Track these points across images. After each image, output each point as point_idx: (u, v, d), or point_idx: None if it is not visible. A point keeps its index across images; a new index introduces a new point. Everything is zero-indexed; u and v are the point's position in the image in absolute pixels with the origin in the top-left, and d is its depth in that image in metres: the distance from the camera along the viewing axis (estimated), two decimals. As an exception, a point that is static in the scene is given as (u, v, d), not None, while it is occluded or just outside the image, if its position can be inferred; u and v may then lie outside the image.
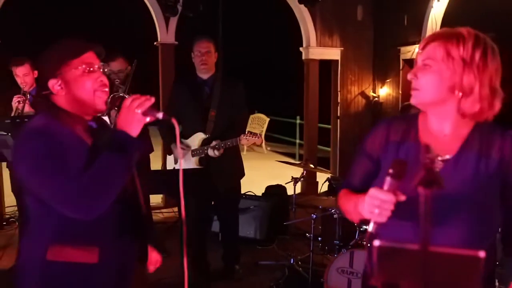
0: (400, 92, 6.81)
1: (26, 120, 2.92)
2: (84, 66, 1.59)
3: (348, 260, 3.03)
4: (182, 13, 5.88)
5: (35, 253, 1.58)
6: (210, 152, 3.47)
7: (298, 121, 10.45)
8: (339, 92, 7.20)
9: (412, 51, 6.41)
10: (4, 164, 4.59)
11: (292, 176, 4.13)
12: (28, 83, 4.08)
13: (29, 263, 1.61)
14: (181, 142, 3.60)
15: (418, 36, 6.36)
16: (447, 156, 1.39)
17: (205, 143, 3.55)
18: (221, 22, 5.71)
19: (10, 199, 5.21)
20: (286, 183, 4.62)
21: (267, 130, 10.96)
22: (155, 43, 6.30)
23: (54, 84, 1.59)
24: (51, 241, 1.56)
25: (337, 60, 7.12)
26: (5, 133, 3.20)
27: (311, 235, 3.59)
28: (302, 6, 6.57)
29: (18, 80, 4.07)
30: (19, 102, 3.93)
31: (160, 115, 1.54)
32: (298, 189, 4.64)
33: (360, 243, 3.19)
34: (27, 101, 3.96)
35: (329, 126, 7.68)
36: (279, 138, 12.01)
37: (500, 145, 1.38)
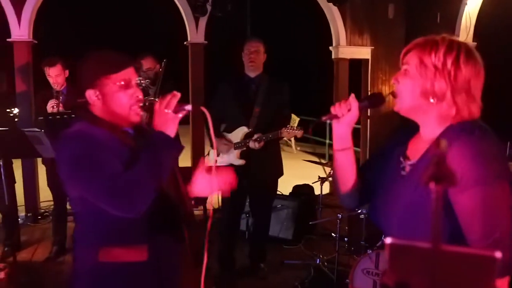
0: (432, 91, 6.65)
1: (58, 117, 3.01)
2: (122, 82, 1.63)
3: (374, 261, 2.99)
4: (212, 13, 5.93)
5: (88, 256, 1.63)
6: (252, 144, 3.56)
7: (328, 121, 10.35)
8: (369, 92, 7.09)
9: (445, 49, 6.25)
10: (39, 160, 4.74)
11: (319, 176, 4.10)
12: (60, 83, 4.19)
13: (83, 266, 1.67)
14: (223, 137, 3.71)
15: (452, 34, 6.15)
16: (413, 161, 1.44)
17: (247, 136, 3.65)
18: (249, 21, 5.72)
19: (45, 194, 5.38)
20: (313, 183, 4.60)
21: (296, 130, 10.90)
22: (184, 42, 6.38)
23: (91, 95, 1.63)
24: (101, 243, 1.61)
25: (368, 59, 7.02)
26: (39, 130, 3.30)
27: (337, 235, 3.56)
28: (331, 4, 6.51)
29: (50, 80, 4.18)
30: (53, 107, 4.04)
31: (189, 107, 1.59)
32: (326, 189, 4.61)
33: (386, 244, 3.14)
34: (60, 104, 4.07)
35: (357, 126, 7.57)
36: (309, 138, 11.94)
37: (452, 150, 1.31)
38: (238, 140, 3.68)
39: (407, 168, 1.45)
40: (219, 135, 3.69)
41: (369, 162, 1.70)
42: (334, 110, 1.51)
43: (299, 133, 3.47)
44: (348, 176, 1.59)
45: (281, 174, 3.95)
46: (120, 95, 1.63)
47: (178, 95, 1.59)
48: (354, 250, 3.80)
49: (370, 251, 3.08)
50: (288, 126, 3.49)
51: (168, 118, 1.57)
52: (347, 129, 1.54)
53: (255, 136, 3.57)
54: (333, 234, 3.84)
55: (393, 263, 0.75)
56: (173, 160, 1.63)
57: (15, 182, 4.68)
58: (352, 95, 1.53)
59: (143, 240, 1.62)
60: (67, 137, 1.60)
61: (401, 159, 1.48)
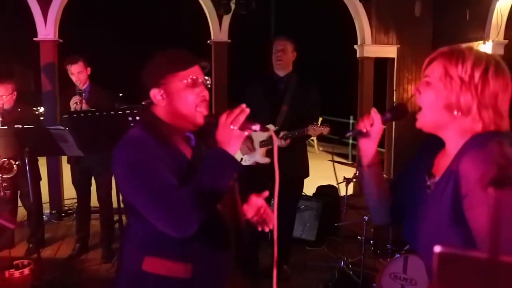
0: (461, 91, 6.47)
1: (82, 115, 3.01)
2: (189, 79, 1.55)
3: (401, 266, 2.89)
4: (235, 11, 5.89)
5: (132, 262, 1.58)
6: (277, 141, 3.49)
7: (351, 121, 10.22)
8: (394, 91, 6.96)
9: (474, 48, 6.07)
10: (64, 158, 4.77)
11: (344, 177, 4.01)
12: (82, 81, 4.21)
13: (126, 271, 1.62)
14: (249, 136, 3.67)
15: (482, 32, 6.02)
16: (437, 178, 1.36)
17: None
18: (273, 20, 5.65)
19: (69, 192, 5.43)
20: (338, 184, 4.50)
21: (319, 130, 10.79)
22: (208, 41, 6.36)
23: (156, 94, 1.56)
24: (147, 252, 1.55)
25: (393, 58, 6.88)
26: (63, 128, 3.31)
27: (363, 237, 3.47)
28: (356, 1, 6.40)
29: (73, 78, 4.20)
30: (76, 103, 4.06)
31: (257, 128, 1.47)
32: (350, 190, 4.52)
33: (415, 248, 3.03)
34: (83, 101, 4.09)
35: (384, 127, 7.43)
36: (331, 138, 11.78)
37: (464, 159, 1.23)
38: (264, 138, 3.64)
39: (432, 186, 1.38)
40: None
41: (399, 178, 1.63)
42: (358, 126, 1.47)
43: (326, 130, 3.37)
44: (378, 192, 1.54)
45: (307, 175, 3.88)
46: (186, 93, 1.55)
47: (247, 110, 1.49)
48: (380, 253, 3.70)
49: (398, 255, 2.98)
50: (314, 123, 3.40)
51: (233, 135, 1.47)
52: (372, 144, 1.49)
53: (281, 134, 3.52)
54: (359, 237, 3.75)
55: (442, 274, 0.68)
56: (232, 180, 1.52)
57: (40, 179, 4.72)
58: (374, 109, 1.48)
59: (190, 258, 1.55)
60: (128, 140, 1.54)
61: (426, 176, 1.42)
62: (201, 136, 1.67)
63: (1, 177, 3.85)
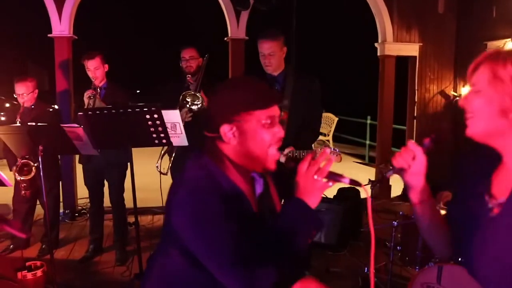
0: (486, 91, 6.24)
1: (98, 112, 2.87)
2: (268, 120, 1.38)
3: (435, 275, 2.69)
4: (254, 7, 5.72)
5: None
6: (282, 159, 3.24)
7: (368, 121, 10.01)
8: (416, 91, 6.74)
9: (501, 46, 5.83)
10: (77, 158, 4.67)
11: (369, 179, 3.81)
12: (99, 77, 4.10)
13: None
14: None
15: (509, 29, 5.78)
16: (500, 200, 1.21)
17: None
18: (295, 16, 5.46)
19: (82, 191, 5.32)
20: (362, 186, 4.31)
21: (335, 130, 10.61)
22: (225, 38, 6.21)
23: (227, 131, 1.38)
24: None
25: (415, 57, 6.66)
26: (78, 126, 3.19)
27: (392, 243, 3.28)
28: (378, -2, 6.20)
29: (90, 74, 4.10)
30: (90, 97, 3.95)
31: (346, 181, 1.28)
32: (369, 193, 4.36)
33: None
34: (97, 96, 3.98)
35: (401, 127, 7.24)
36: (347, 138, 11.58)
37: None
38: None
39: (496, 209, 1.22)
40: None
41: (451, 208, 1.47)
42: (396, 162, 1.34)
43: (337, 159, 3.02)
44: (433, 226, 1.40)
45: None
46: (262, 133, 1.38)
47: (333, 159, 1.34)
48: (409, 261, 3.50)
49: (432, 264, 2.79)
50: (331, 149, 3.15)
51: (316, 187, 1.31)
52: (420, 179, 1.34)
53: (286, 151, 3.24)
54: (386, 243, 3.56)
55: None
56: (311, 238, 1.35)
57: (61, 179, 4.64)
58: (411, 141, 1.35)
59: None
60: (193, 182, 1.35)
61: (486, 197, 1.25)
62: (266, 179, 1.51)
63: (20, 178, 3.80)
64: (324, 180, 1.31)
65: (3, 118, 9.13)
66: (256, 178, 1.48)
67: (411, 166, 1.32)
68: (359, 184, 1.30)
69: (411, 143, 1.33)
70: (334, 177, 1.30)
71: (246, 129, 1.38)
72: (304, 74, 3.50)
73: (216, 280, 1.30)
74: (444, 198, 3.26)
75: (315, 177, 1.30)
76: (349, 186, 4.49)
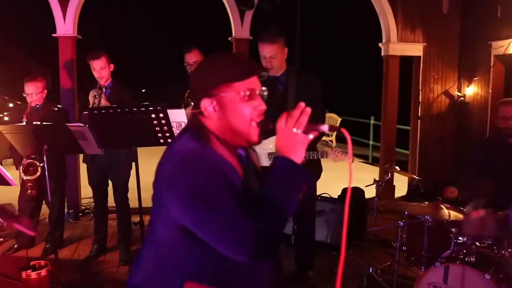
0: (490, 91, 6.22)
1: (103, 111, 2.87)
2: (247, 91, 1.36)
3: (442, 276, 2.68)
4: (258, 6, 5.72)
5: (168, 284, 1.39)
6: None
7: (372, 122, 9.99)
8: (420, 91, 6.73)
9: (506, 46, 5.82)
10: (81, 157, 4.68)
11: (374, 179, 3.81)
12: (105, 77, 4.10)
13: None
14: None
15: (514, 29, 5.76)
16: None
17: None
18: (299, 16, 5.46)
19: (86, 191, 5.33)
20: (366, 186, 4.30)
21: (338, 130, 10.60)
22: (229, 38, 6.20)
23: (207, 105, 1.37)
24: (188, 277, 1.36)
25: (419, 57, 6.65)
26: (83, 125, 3.19)
27: (397, 243, 3.27)
28: (382, -2, 6.19)
29: (95, 74, 4.10)
30: (95, 96, 3.95)
31: (325, 128, 1.29)
32: (373, 193, 4.33)
33: (455, 257, 2.83)
34: (103, 95, 3.97)
35: (405, 127, 7.22)
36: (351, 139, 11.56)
37: None
38: (272, 150, 3.38)
39: None
40: None
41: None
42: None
43: (349, 160, 3.04)
44: None
45: (319, 177, 3.64)
46: (242, 106, 1.36)
47: (308, 110, 1.31)
48: (414, 261, 3.49)
49: (438, 263, 2.78)
50: (337, 149, 3.19)
51: (297, 140, 1.29)
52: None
53: None
54: (392, 243, 3.55)
55: None
56: (302, 192, 1.33)
57: (66, 179, 4.65)
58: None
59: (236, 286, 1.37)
60: (185, 159, 1.32)
61: None
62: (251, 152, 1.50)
63: (26, 178, 3.80)
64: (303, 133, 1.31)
65: (6, 118, 9.16)
66: (241, 153, 1.47)
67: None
68: (338, 129, 1.33)
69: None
70: (313, 127, 1.30)
71: (225, 103, 1.36)
72: (306, 73, 3.53)
73: (210, 252, 1.30)
74: (449, 193, 3.26)
75: (294, 130, 1.29)
76: (352, 186, 4.43)
